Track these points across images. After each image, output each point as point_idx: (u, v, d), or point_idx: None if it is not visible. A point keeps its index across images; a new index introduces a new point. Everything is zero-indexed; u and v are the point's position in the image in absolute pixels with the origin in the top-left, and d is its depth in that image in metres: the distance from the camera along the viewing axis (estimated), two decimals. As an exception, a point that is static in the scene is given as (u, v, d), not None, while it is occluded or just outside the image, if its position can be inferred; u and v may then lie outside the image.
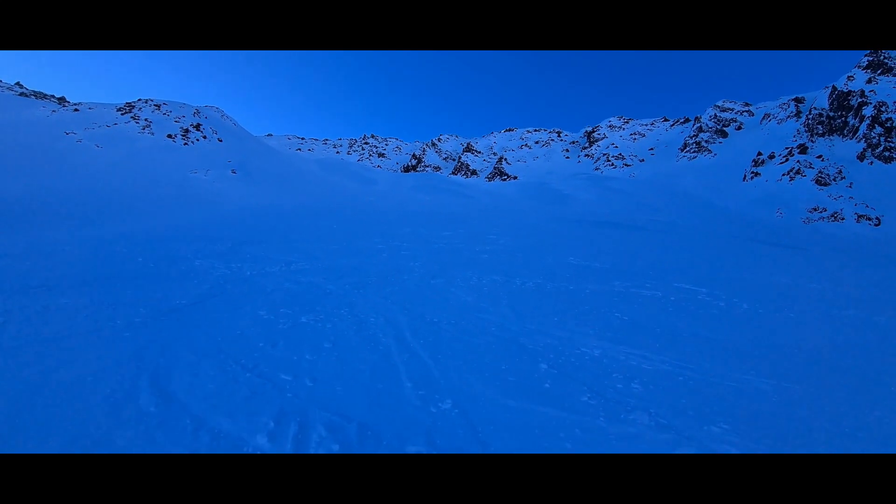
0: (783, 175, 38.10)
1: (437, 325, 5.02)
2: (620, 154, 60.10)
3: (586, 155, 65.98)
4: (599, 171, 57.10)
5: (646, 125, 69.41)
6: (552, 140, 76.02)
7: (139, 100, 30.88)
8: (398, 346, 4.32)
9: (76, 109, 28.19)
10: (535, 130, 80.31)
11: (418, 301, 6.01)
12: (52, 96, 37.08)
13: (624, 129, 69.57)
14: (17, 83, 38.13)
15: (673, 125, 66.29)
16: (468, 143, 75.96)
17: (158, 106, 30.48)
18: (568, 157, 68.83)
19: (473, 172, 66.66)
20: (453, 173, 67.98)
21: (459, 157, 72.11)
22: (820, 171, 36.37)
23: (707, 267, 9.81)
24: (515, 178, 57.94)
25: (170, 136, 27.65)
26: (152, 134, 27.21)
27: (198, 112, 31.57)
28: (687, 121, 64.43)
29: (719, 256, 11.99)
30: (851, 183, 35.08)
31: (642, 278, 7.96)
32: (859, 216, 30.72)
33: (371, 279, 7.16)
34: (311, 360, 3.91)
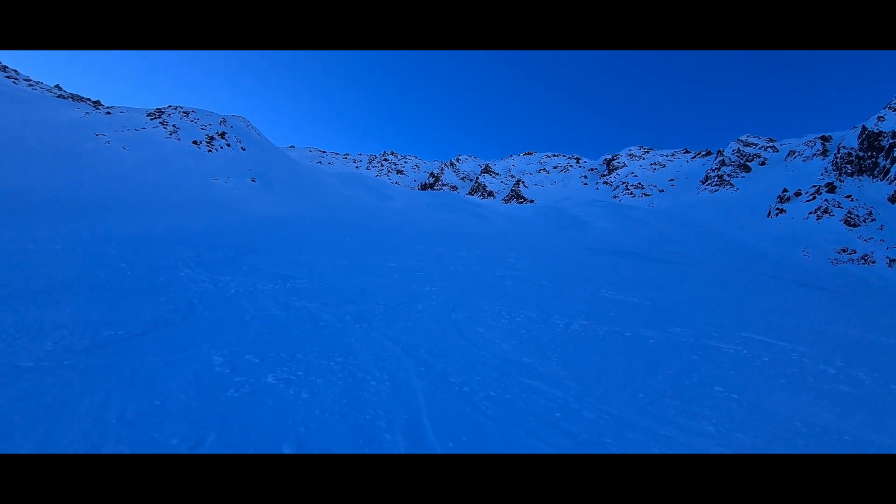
0: (810, 213, 36.95)
1: (469, 400, 3.54)
2: (640, 183, 59.43)
3: (605, 182, 65.49)
4: (618, 200, 56.47)
5: (666, 156, 68.81)
6: (571, 166, 75.85)
7: (169, 106, 31.74)
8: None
9: (108, 112, 29.06)
10: (554, 155, 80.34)
11: (438, 349, 4.72)
12: (88, 99, 38.51)
13: (644, 158, 69.07)
14: (57, 85, 39.76)
15: (694, 157, 65.57)
16: (486, 165, 76.26)
17: (187, 113, 31.26)
18: (586, 184, 68.41)
19: (490, 194, 66.64)
20: (470, 193, 68.08)
21: (477, 178, 72.31)
22: (849, 212, 35.15)
23: (762, 311, 9.05)
24: (532, 201, 57.63)
25: (195, 142, 28.21)
26: (178, 139, 27.81)
27: (224, 121, 32.28)
28: (709, 153, 63.66)
29: (763, 297, 11.31)
30: (882, 225, 33.77)
31: (698, 323, 7.13)
32: (891, 260, 29.39)
33: (378, 308, 6.19)
34: None
